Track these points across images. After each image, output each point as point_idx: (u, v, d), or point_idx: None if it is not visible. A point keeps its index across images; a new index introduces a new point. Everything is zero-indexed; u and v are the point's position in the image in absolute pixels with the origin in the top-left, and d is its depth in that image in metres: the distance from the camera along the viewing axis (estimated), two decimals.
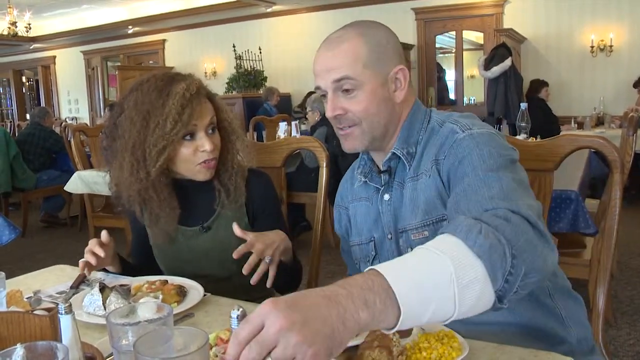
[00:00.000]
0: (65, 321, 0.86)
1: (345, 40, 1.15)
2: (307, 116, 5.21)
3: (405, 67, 1.19)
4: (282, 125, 4.92)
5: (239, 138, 1.53)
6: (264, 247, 1.31)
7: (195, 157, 1.43)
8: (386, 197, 1.23)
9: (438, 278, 0.73)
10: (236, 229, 1.31)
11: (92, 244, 1.41)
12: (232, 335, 0.66)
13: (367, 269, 0.74)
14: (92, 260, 1.39)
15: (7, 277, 1.55)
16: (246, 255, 1.47)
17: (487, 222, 0.82)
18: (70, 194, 5.27)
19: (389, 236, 1.23)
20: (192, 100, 1.39)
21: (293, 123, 5.22)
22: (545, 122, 5.71)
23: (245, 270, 1.28)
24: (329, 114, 1.18)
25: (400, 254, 1.20)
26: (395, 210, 1.21)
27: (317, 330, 0.64)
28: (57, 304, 0.87)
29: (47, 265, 1.69)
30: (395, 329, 0.71)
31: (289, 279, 1.47)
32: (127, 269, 1.54)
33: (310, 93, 8.14)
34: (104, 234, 1.43)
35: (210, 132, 1.45)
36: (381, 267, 0.72)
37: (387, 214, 1.23)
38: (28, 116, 8.98)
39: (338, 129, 1.21)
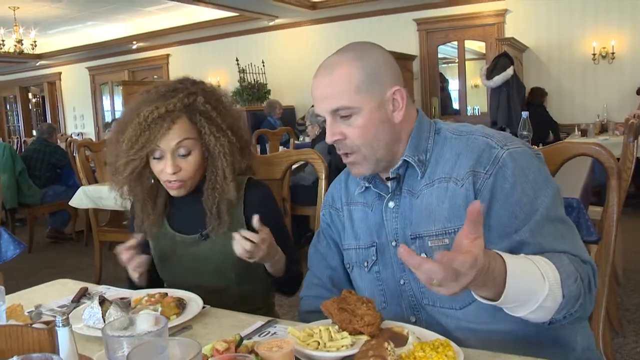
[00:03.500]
0: (62, 334, 0.87)
1: (339, 66, 1.17)
2: (307, 130, 5.22)
3: (401, 87, 1.20)
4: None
5: (228, 165, 1.49)
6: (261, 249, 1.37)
7: (161, 176, 1.48)
8: (391, 204, 1.24)
9: (533, 293, 0.96)
10: (255, 222, 1.36)
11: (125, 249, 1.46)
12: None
13: (500, 255, 0.94)
14: (137, 265, 1.46)
15: (12, 292, 1.57)
16: (243, 267, 1.47)
17: (580, 273, 1.02)
18: (75, 209, 5.29)
19: (393, 243, 1.23)
20: (154, 125, 1.41)
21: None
22: (545, 128, 5.72)
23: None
24: (328, 139, 1.20)
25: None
26: (403, 217, 1.22)
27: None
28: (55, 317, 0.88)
29: (53, 280, 1.70)
30: (483, 300, 0.96)
31: (283, 286, 1.61)
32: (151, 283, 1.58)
33: (313, 107, 8.16)
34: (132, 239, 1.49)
35: (181, 155, 1.46)
36: (510, 268, 0.93)
37: (392, 221, 1.23)
38: (35, 132, 9.07)
39: (343, 156, 1.23)
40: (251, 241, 1.34)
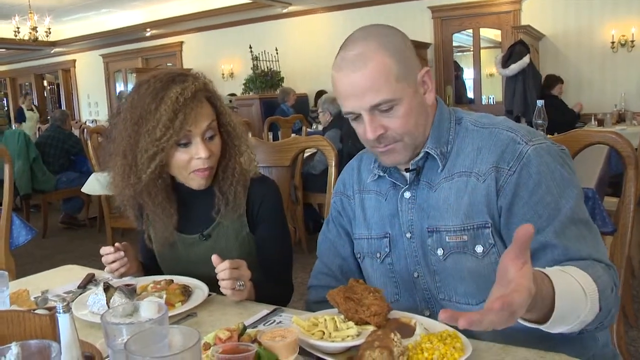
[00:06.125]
0: (63, 320, 0.86)
1: (369, 57, 1.10)
2: (319, 117, 5.21)
3: (428, 67, 1.17)
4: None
5: (243, 144, 1.47)
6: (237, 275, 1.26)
7: (190, 165, 1.39)
8: (407, 195, 1.20)
9: (575, 310, 0.91)
10: (214, 259, 1.27)
11: (102, 252, 1.43)
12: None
13: (546, 275, 0.88)
14: (115, 266, 1.42)
15: (24, 277, 1.58)
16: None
17: (615, 284, 1.00)
18: (88, 195, 5.33)
19: (408, 235, 1.20)
20: (186, 106, 1.33)
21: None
22: (564, 120, 5.63)
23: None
24: (369, 136, 1.13)
25: (423, 253, 1.18)
26: (421, 209, 1.18)
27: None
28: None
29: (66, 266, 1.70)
30: (534, 324, 0.90)
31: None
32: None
33: (319, 92, 8.13)
34: (116, 245, 1.45)
35: (208, 138, 1.39)
36: (555, 283, 0.88)
37: (407, 212, 1.20)
38: (49, 119, 9.21)
39: (377, 148, 1.17)
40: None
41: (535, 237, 1.03)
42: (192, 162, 1.38)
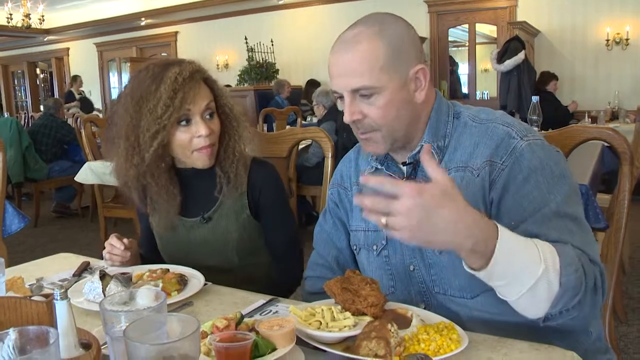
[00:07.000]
0: (60, 307, 0.86)
1: (362, 42, 1.10)
2: (313, 110, 5.22)
3: (425, 65, 1.15)
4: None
5: (241, 125, 1.50)
6: None
7: (191, 144, 1.42)
8: None
9: (526, 269, 0.92)
10: None
11: (112, 241, 1.46)
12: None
13: (495, 223, 0.93)
14: (116, 259, 1.46)
15: (16, 266, 1.57)
16: (245, 250, 1.45)
17: (584, 267, 0.97)
18: (81, 184, 5.31)
19: None
20: (185, 85, 1.37)
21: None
22: (556, 116, 5.65)
23: None
24: (347, 119, 1.14)
25: (419, 246, 1.17)
26: None
27: (426, 239, 0.90)
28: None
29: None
30: (474, 272, 0.93)
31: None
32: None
33: (309, 82, 8.11)
34: (126, 243, 1.47)
35: (207, 117, 1.43)
36: (502, 236, 0.91)
37: None
38: (42, 107, 9.09)
39: (358, 134, 1.18)
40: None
41: (516, 229, 1.04)
42: (194, 140, 1.42)
